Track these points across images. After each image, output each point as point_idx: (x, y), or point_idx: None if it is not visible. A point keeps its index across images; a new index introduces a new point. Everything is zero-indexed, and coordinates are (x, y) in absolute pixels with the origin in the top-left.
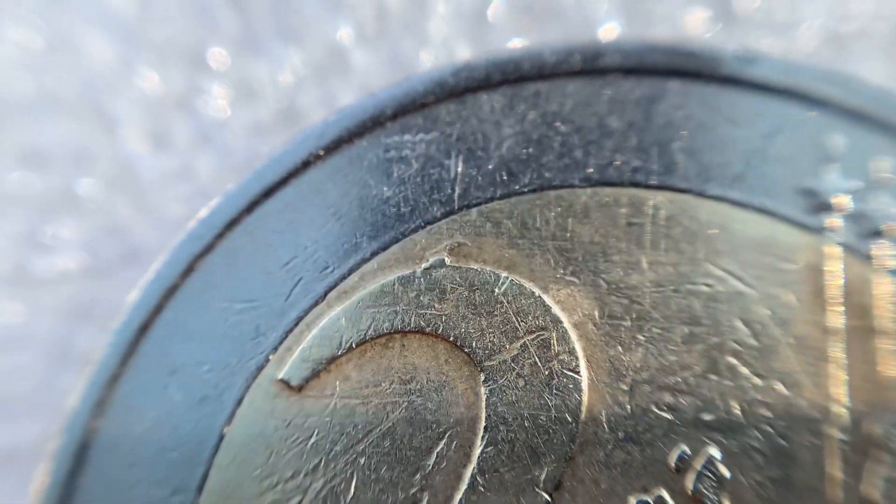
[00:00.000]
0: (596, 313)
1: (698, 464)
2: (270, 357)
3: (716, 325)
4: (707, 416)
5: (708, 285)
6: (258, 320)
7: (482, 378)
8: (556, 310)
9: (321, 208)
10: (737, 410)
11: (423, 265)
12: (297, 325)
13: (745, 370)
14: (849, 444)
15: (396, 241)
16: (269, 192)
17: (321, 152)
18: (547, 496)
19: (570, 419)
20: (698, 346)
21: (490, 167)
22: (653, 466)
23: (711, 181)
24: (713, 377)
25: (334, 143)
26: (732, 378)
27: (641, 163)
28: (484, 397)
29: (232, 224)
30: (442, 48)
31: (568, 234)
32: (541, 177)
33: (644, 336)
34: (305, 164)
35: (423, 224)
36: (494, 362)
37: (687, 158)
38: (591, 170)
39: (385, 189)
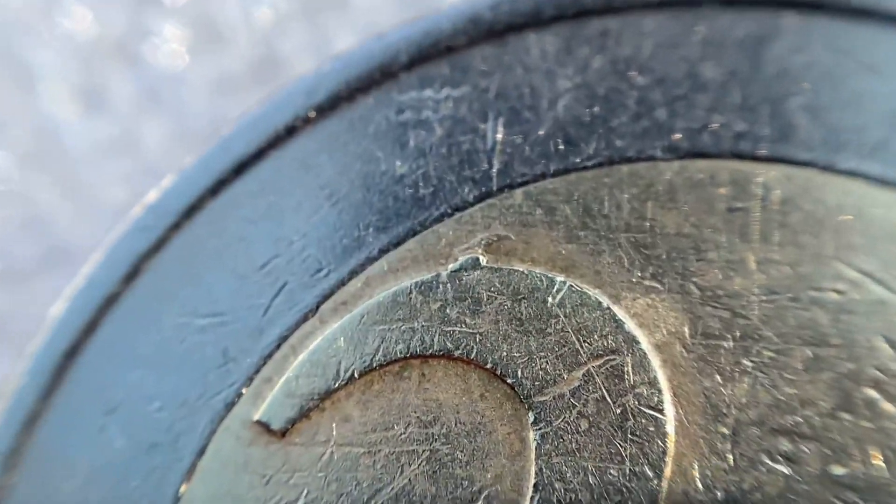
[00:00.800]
0: (686, 331)
1: None
2: (243, 391)
3: (850, 345)
4: (838, 470)
5: (838, 292)
6: (226, 341)
7: (531, 419)
8: (630, 326)
9: (311, 189)
10: (879, 461)
11: (451, 266)
12: (278, 347)
13: (889, 407)
14: None
15: (414, 233)
16: (240, 169)
17: (311, 114)
18: None
19: (650, 474)
20: (825, 375)
21: (541, 133)
22: None
23: (843, 151)
24: (846, 416)
25: (329, 102)
26: (873, 417)
27: (747, 126)
28: (533, 445)
29: (190, 212)
30: None
31: (647, 224)
32: (610, 146)
33: (752, 362)
34: (290, 131)
35: (449, 211)
36: (547, 397)
37: (809, 120)
38: (679, 136)
39: (398, 164)
